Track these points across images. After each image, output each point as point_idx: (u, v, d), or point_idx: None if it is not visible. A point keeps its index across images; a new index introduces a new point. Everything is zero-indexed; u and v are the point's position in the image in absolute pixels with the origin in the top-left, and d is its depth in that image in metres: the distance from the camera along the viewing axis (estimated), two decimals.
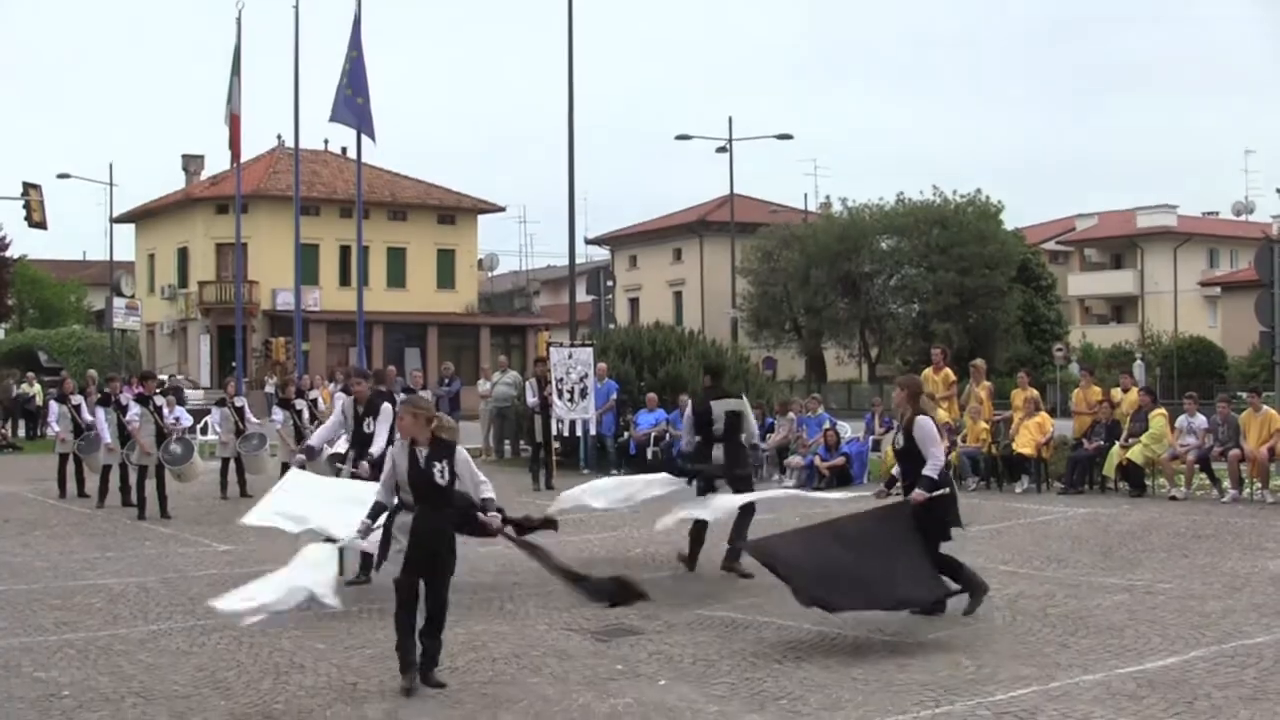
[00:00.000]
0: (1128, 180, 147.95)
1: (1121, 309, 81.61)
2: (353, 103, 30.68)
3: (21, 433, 39.84)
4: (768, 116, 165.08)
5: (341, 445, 14.78)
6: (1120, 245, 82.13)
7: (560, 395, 25.03)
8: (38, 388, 40.58)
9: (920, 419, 11.59)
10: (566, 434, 25.57)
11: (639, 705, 8.79)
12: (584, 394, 25.48)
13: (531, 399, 24.37)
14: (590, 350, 26.51)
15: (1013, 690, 8.96)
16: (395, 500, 9.53)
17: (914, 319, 65.87)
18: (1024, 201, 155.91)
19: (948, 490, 11.49)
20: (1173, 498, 20.43)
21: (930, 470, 11.36)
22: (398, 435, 9.83)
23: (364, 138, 31.71)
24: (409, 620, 9.34)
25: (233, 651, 10.53)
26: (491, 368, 32.62)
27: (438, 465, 9.44)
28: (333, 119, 31.32)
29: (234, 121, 36.20)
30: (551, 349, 26.75)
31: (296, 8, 34.43)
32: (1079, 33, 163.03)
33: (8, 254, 61.36)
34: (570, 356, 25.84)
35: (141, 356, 66.14)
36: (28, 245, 73.19)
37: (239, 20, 36.57)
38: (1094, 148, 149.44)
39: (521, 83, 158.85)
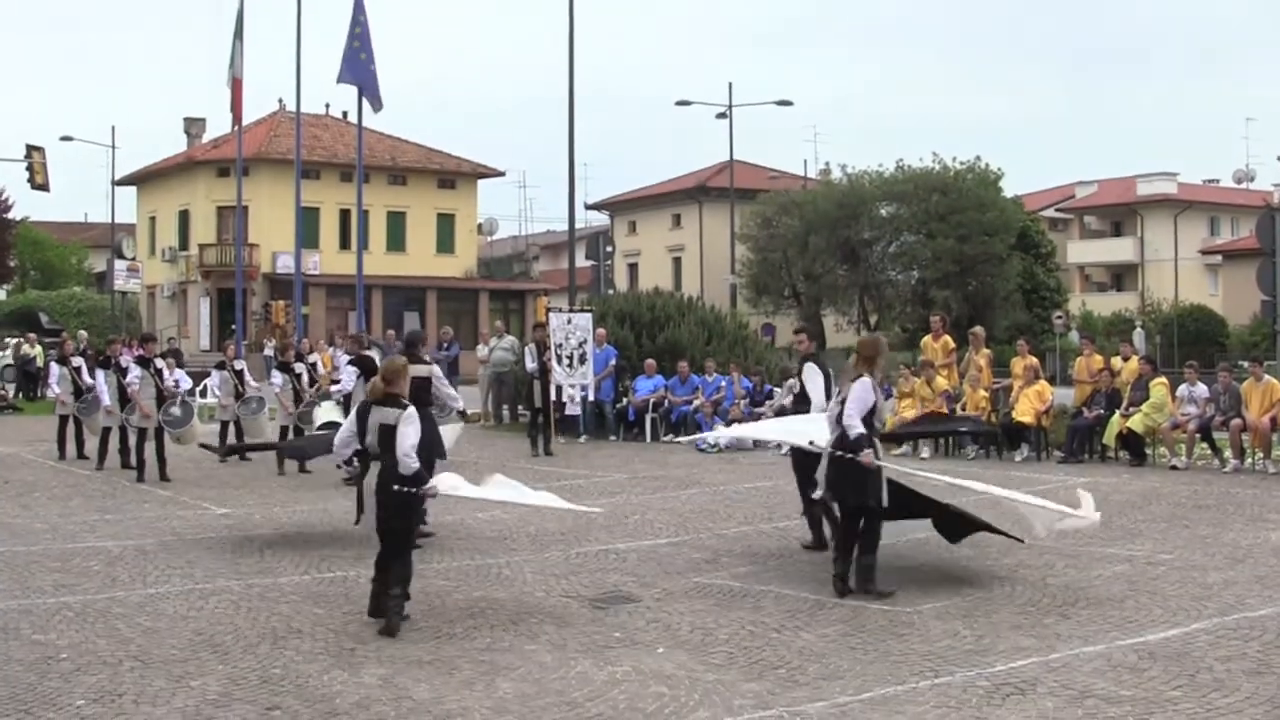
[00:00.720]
0: (1128, 147, 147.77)
1: (1122, 277, 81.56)
2: (362, 65, 30.67)
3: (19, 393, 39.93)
4: (768, 82, 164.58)
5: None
6: (1120, 213, 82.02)
7: (559, 361, 24.98)
8: (39, 349, 40.61)
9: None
10: (566, 404, 25.54)
11: (637, 673, 8.76)
12: (583, 360, 25.44)
13: (531, 364, 24.31)
14: (589, 316, 26.44)
15: (1012, 661, 8.93)
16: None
17: (913, 286, 65.75)
18: (1024, 168, 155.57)
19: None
20: (1174, 467, 20.38)
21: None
22: None
23: (365, 101, 31.65)
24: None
25: (230, 615, 10.50)
26: (490, 333, 32.54)
27: None
28: (340, 80, 31.25)
29: (235, 85, 36.25)
30: (550, 314, 26.67)
31: None
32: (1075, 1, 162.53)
33: (10, 216, 61.20)
34: (569, 322, 25.79)
35: (142, 319, 66.11)
36: (30, 207, 73.35)
37: None
38: (1094, 114, 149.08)
39: (522, 46, 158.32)
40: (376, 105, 31.36)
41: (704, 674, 8.76)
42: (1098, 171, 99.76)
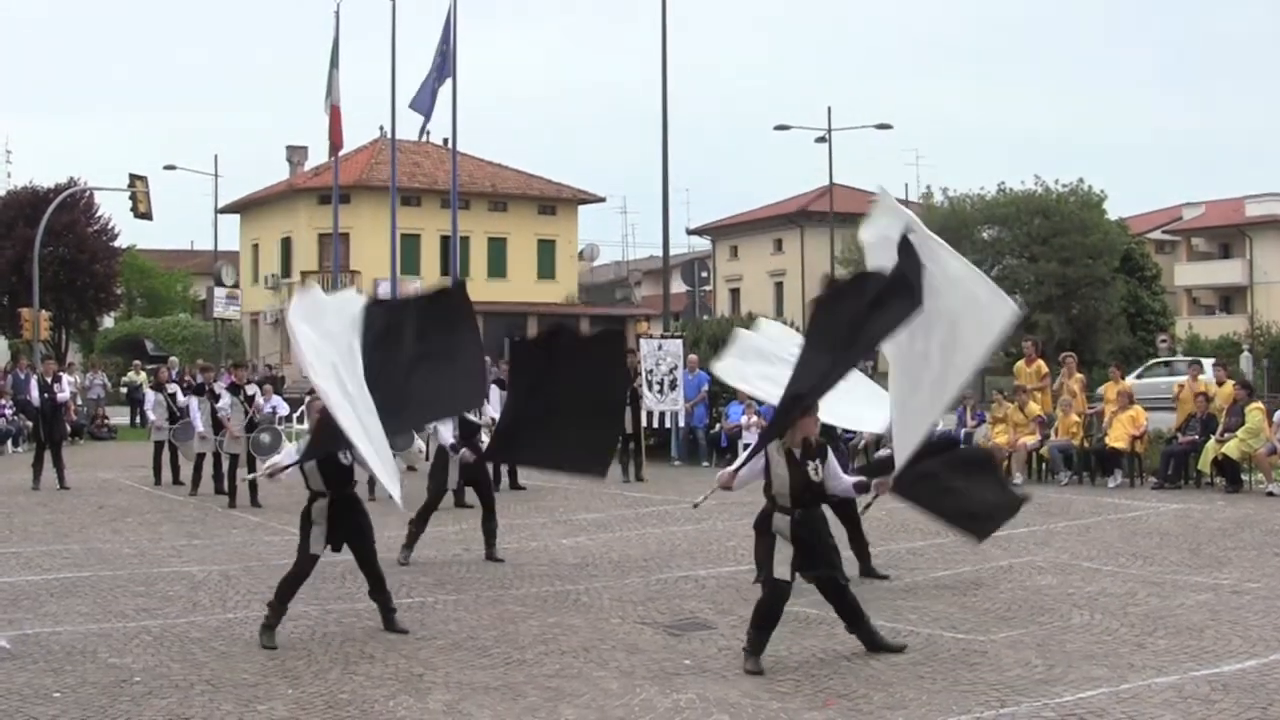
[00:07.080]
0: (1237, 167, 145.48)
1: (1230, 299, 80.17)
2: (424, 96, 31.59)
3: (126, 420, 40.66)
4: (869, 106, 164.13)
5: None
6: (1228, 234, 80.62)
7: (650, 387, 25.02)
8: (144, 376, 41.28)
9: None
10: (655, 425, 25.58)
11: (701, 701, 8.73)
12: (673, 385, 25.47)
13: None
14: (680, 342, 26.47)
15: (1081, 691, 8.79)
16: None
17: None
18: (1129, 191, 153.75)
19: None
20: (1270, 494, 20.00)
21: None
22: None
23: (458, 125, 32.45)
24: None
25: (305, 641, 10.61)
26: None
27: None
28: (411, 106, 32.01)
29: (333, 113, 36.79)
30: (641, 340, 26.74)
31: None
32: (1180, 15, 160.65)
33: (116, 244, 62.27)
34: (660, 348, 25.84)
35: (245, 345, 66.98)
36: (137, 235, 74.42)
37: (337, 13, 37.17)
38: (1202, 135, 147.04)
39: (626, 73, 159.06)
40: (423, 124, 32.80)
41: (768, 702, 8.72)
42: (1206, 193, 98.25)
